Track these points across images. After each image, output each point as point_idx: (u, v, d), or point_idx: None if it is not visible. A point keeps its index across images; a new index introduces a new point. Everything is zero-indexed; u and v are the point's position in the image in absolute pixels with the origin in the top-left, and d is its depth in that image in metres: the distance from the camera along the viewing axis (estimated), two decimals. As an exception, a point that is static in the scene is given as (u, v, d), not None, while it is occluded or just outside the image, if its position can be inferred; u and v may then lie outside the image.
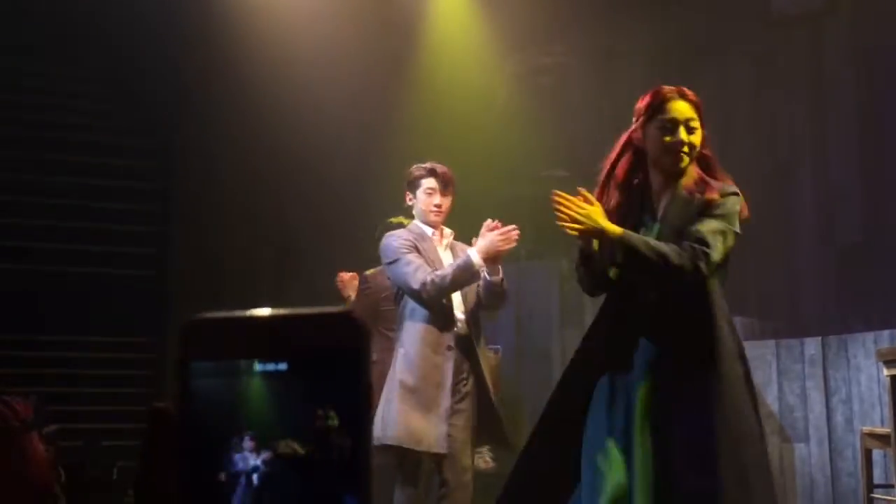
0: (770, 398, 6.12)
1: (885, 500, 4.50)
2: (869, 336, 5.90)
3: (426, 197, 4.44)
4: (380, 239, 4.61)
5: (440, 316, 4.22)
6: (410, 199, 4.49)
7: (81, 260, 7.52)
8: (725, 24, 7.49)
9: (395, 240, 4.37)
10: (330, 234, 7.77)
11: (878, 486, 4.65)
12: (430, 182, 4.44)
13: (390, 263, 4.32)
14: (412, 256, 4.25)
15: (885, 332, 5.64)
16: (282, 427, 0.69)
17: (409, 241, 4.32)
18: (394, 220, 5.65)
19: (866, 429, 4.71)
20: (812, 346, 6.18)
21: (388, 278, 4.45)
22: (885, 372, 4.10)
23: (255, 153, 7.92)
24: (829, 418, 6.02)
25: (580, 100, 7.78)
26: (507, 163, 7.51)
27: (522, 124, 7.61)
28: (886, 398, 4.16)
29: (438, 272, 4.17)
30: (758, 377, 6.16)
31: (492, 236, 4.13)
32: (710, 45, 7.57)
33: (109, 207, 7.75)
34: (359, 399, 0.69)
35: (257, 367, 0.70)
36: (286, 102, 7.60)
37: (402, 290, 4.32)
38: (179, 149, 8.11)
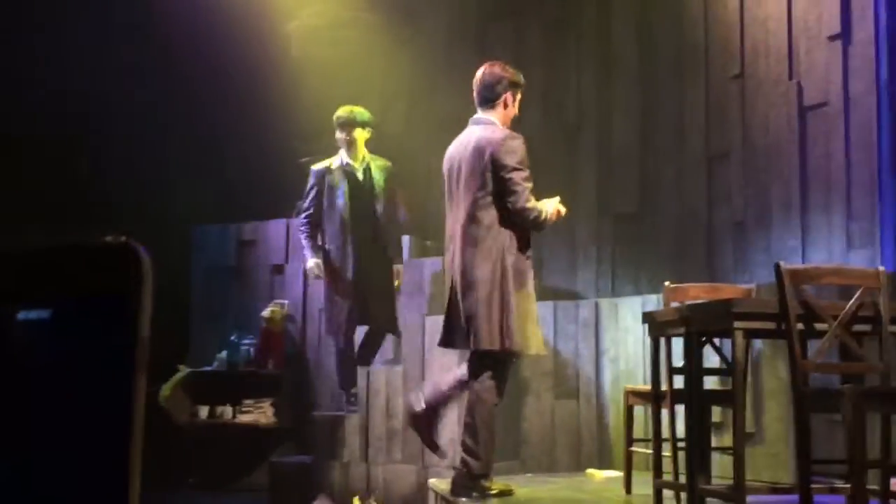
0: (546, 357, 6.40)
1: (642, 452, 4.84)
2: (637, 300, 6.28)
3: (516, 108, 4.62)
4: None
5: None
6: (510, 101, 4.54)
7: None
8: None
9: (522, 147, 4.43)
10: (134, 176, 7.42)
11: (638, 440, 4.98)
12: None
13: (517, 169, 4.37)
14: (528, 174, 4.42)
15: (653, 297, 6.01)
16: (45, 386, 0.59)
17: None
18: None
19: (629, 387, 5.01)
20: (586, 308, 6.50)
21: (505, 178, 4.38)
22: (649, 334, 4.38)
23: (64, 93, 7.38)
24: (598, 376, 6.37)
25: (379, 55, 7.77)
26: (301, 116, 7.41)
27: (319, 76, 7.52)
28: (649, 358, 4.44)
29: (538, 207, 4.37)
30: (535, 337, 6.44)
31: (559, 209, 4.46)
32: (506, 10, 7.73)
33: None
34: (125, 355, 0.57)
35: (20, 315, 0.59)
36: (94, 41, 7.19)
37: (506, 202, 4.36)
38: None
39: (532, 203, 4.38)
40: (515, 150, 4.40)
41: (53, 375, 0.59)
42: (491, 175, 4.39)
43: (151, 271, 0.58)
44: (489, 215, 4.40)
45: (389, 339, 6.48)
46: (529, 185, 4.40)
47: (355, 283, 6.12)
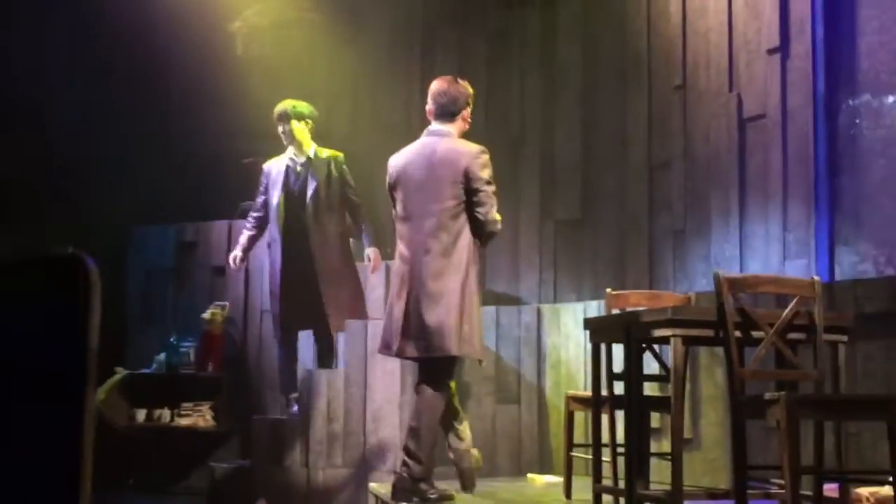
0: (488, 362, 6.42)
1: (582, 457, 4.88)
2: (579, 306, 6.33)
3: (468, 123, 4.72)
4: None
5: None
6: (467, 116, 4.66)
7: None
8: (466, -1, 7.71)
9: (490, 161, 4.52)
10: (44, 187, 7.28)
11: (578, 445, 5.02)
12: None
13: (489, 183, 4.49)
14: (495, 188, 4.55)
15: (594, 303, 6.07)
16: None
17: None
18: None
19: (570, 392, 5.05)
20: (528, 314, 6.54)
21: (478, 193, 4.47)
22: (590, 340, 4.42)
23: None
24: (539, 382, 6.41)
25: (323, 55, 7.74)
26: (245, 115, 7.35)
27: (263, 76, 7.46)
28: (590, 364, 4.47)
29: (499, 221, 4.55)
30: (477, 342, 6.45)
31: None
32: (451, 16, 7.76)
33: None
34: (75, 365, 0.56)
35: None
36: (33, 39, 7.04)
37: (476, 212, 4.46)
38: None
39: (497, 216, 4.55)
40: (488, 164, 4.52)
41: (3, 385, 0.58)
42: (463, 186, 4.46)
43: (99, 282, 0.57)
44: (457, 225, 4.47)
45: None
46: (496, 198, 4.55)
47: (283, 282, 6.02)
